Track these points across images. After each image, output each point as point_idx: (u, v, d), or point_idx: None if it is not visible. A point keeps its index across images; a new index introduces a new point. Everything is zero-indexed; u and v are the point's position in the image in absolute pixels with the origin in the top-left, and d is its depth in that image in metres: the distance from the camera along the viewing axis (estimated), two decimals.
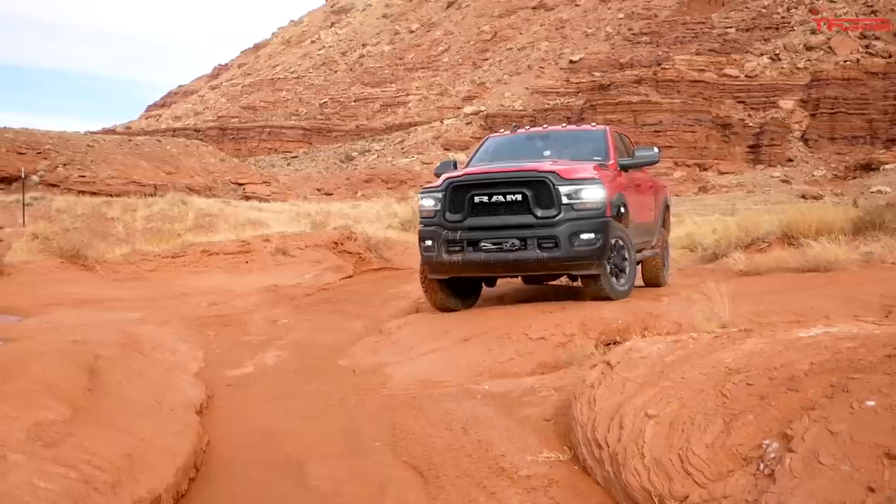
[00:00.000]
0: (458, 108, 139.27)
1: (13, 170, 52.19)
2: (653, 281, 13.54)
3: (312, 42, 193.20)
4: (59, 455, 5.09)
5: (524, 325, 9.45)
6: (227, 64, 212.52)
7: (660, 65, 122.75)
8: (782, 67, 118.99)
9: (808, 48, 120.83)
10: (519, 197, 10.01)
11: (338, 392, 8.45)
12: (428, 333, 10.34)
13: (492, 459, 6.02)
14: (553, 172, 10.05)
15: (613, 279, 10.52)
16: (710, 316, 8.27)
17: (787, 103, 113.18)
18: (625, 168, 11.70)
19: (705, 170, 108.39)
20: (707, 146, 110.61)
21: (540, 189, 9.99)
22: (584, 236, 9.97)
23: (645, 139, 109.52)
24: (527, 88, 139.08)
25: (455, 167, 12.11)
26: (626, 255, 10.75)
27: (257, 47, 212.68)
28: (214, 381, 9.05)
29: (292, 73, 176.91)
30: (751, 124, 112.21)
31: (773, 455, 4.10)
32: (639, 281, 13.13)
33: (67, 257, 17.73)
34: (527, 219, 10.01)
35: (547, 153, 12.20)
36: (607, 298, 10.35)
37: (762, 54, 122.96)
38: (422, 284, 11.38)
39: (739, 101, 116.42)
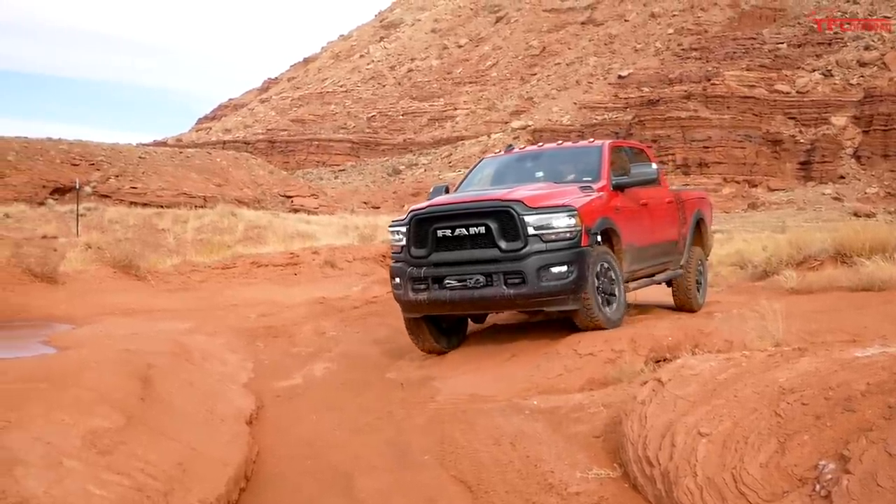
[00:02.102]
0: (506, 123, 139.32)
1: (67, 181, 53.17)
2: (685, 304, 12.73)
3: (361, 56, 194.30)
4: (113, 463, 5.15)
5: (573, 341, 9.39)
6: (276, 77, 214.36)
7: (709, 80, 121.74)
8: (835, 83, 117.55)
9: (862, 64, 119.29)
10: (482, 229, 9.23)
11: (385, 405, 8.47)
12: (475, 347, 10.34)
13: (540, 475, 6.00)
14: (518, 202, 9.22)
15: (605, 307, 9.70)
16: (763, 334, 8.17)
17: (839, 119, 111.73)
18: (620, 187, 10.72)
19: (755, 186, 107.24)
20: (757, 162, 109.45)
21: (504, 220, 9.19)
22: (555, 269, 9.14)
23: (694, 155, 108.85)
24: (575, 103, 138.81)
25: (447, 192, 11.54)
26: (615, 279, 9.94)
27: (307, 61, 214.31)
28: (264, 391, 9.11)
29: (341, 86, 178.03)
30: (802, 140, 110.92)
31: (829, 476, 4.05)
32: (669, 301, 12.97)
33: (119, 267, 17.94)
34: (492, 253, 9.23)
35: (539, 174, 11.56)
36: (599, 328, 9.54)
37: (814, 70, 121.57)
38: (405, 325, 10.52)
39: (790, 118, 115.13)
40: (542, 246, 9.13)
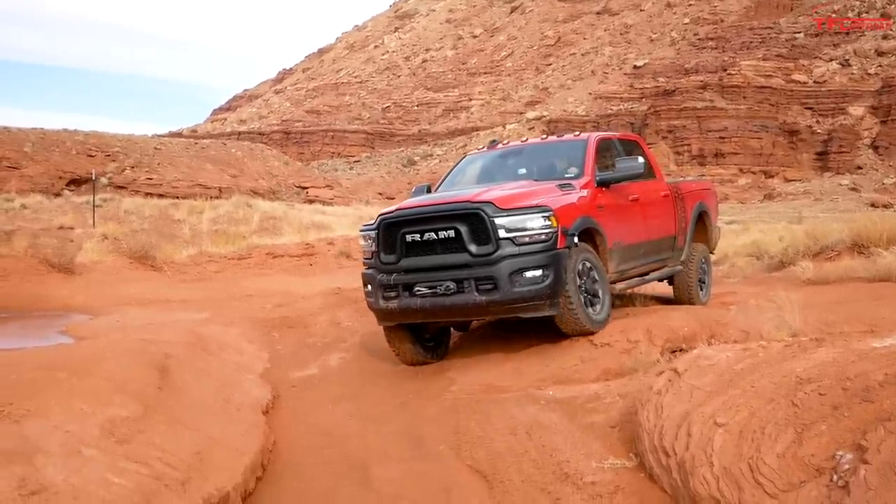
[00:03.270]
0: (521, 114, 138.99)
1: (83, 172, 53.39)
2: (686, 303, 12.20)
3: (376, 47, 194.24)
4: (131, 451, 5.19)
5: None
6: (291, 68, 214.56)
7: (725, 70, 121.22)
8: (852, 73, 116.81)
9: (880, 53, 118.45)
10: (452, 233, 8.77)
11: (401, 395, 8.49)
12: (490, 338, 10.34)
13: (556, 465, 6.00)
14: (488, 203, 8.73)
15: (589, 308, 9.24)
16: (780, 324, 8.16)
17: (856, 110, 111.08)
18: (605, 183, 10.19)
19: (771, 177, 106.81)
20: (773, 153, 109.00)
21: (474, 222, 8.70)
22: (529, 274, 8.64)
23: (710, 146, 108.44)
24: (590, 94, 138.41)
25: (429, 191, 11.28)
26: (598, 279, 9.47)
27: (321, 52, 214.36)
28: (280, 381, 9.15)
29: (356, 77, 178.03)
30: (819, 131, 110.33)
31: (847, 466, 4.04)
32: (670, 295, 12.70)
33: (136, 258, 18.04)
34: (462, 257, 8.75)
35: (522, 171, 11.12)
36: (584, 332, 9.14)
37: (831, 60, 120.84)
38: (384, 334, 10.01)
39: (807, 108, 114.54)
40: (514, 249, 8.65)
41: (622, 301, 11.66)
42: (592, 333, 9.13)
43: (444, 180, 11.65)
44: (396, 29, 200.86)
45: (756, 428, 4.81)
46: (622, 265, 10.33)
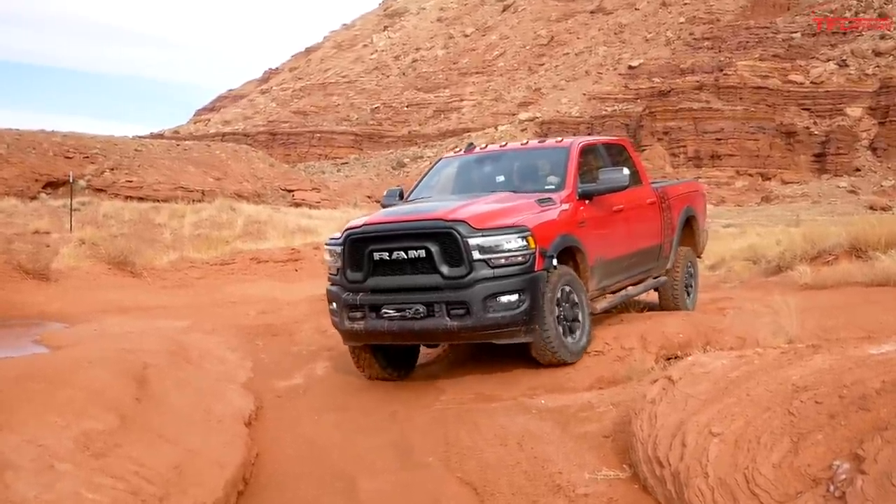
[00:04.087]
0: (513, 115, 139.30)
1: (61, 174, 53.14)
2: (671, 309, 11.97)
3: (365, 46, 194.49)
4: (107, 466, 5.16)
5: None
6: (277, 68, 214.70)
7: (722, 71, 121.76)
8: (850, 73, 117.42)
9: (878, 53, 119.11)
10: (422, 253, 8.38)
11: (388, 405, 8.47)
12: (480, 345, 10.32)
13: (548, 476, 6.00)
14: (461, 222, 8.32)
15: (567, 336, 8.86)
16: (777, 330, 8.17)
17: (854, 111, 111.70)
18: (588, 196, 9.78)
19: (768, 179, 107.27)
20: (770, 155, 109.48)
21: (446, 242, 8.32)
22: (504, 299, 8.29)
23: (706, 147, 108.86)
24: (584, 94, 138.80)
25: (401, 196, 10.95)
26: (579, 303, 9.10)
27: (309, 51, 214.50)
28: (263, 391, 9.11)
29: (344, 77, 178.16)
30: (816, 132, 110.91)
31: (843, 476, 4.05)
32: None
33: (115, 263, 17.96)
34: (433, 279, 8.38)
35: (500, 179, 10.69)
36: (561, 363, 8.78)
37: (829, 60, 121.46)
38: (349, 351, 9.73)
39: (805, 109, 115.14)
40: (489, 272, 8.28)
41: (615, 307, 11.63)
42: (568, 364, 8.80)
43: (417, 185, 11.30)
44: (386, 27, 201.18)
45: (752, 437, 4.82)
46: (604, 281, 10.06)
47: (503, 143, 11.88)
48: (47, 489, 4.60)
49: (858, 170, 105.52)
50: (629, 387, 7.62)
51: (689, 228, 12.83)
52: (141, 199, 49.02)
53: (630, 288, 11.06)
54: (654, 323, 9.92)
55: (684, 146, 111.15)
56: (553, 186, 9.88)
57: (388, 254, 8.54)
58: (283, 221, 32.75)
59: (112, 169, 59.84)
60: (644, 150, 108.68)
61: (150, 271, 18.39)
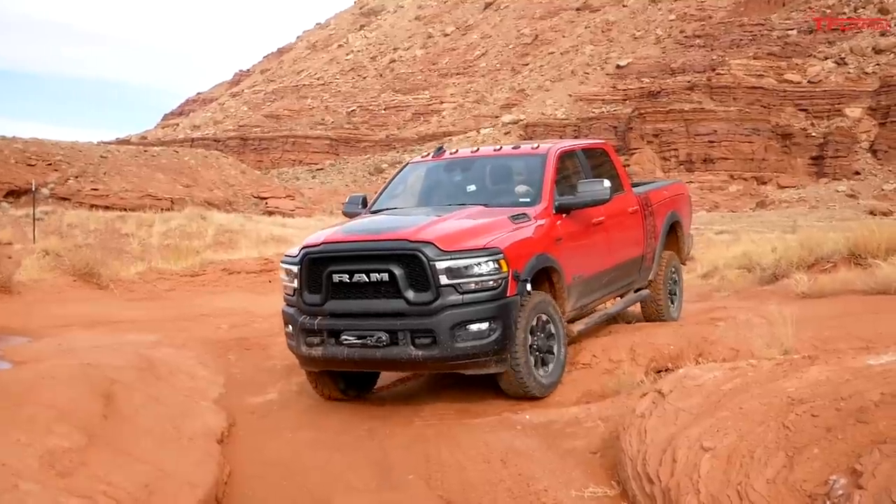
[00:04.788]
0: (496, 117, 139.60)
1: (23, 182, 53.09)
2: (654, 319, 11.98)
3: (340, 46, 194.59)
4: (73, 485, 5.16)
5: (568, 352, 9.42)
6: (248, 70, 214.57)
7: (714, 70, 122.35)
8: (849, 72, 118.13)
9: (878, 51, 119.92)
10: (385, 276, 8.06)
11: (366, 421, 8.47)
12: None
13: (533, 495, 6.03)
14: (428, 243, 8.01)
15: (539, 368, 8.61)
16: (771, 341, 8.22)
17: (853, 111, 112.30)
18: (565, 209, 9.50)
19: (764, 183, 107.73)
20: (766, 158, 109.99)
21: (412, 265, 8.02)
22: (473, 327, 7.98)
23: (698, 150, 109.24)
24: (570, 95, 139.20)
25: (364, 204, 10.68)
26: (555, 333, 8.85)
27: (281, 52, 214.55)
28: (236, 408, 9.10)
29: (318, 79, 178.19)
30: (814, 134, 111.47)
31: (840, 492, 4.08)
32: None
33: (80, 275, 17.88)
34: (397, 305, 8.08)
35: (471, 188, 10.40)
36: (530, 396, 8.49)
37: (826, 58, 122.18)
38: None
39: (801, 109, 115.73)
40: (457, 298, 7.96)
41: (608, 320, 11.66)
42: (537, 399, 8.49)
43: (382, 193, 10.97)
44: (362, 27, 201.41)
45: (745, 452, 4.85)
46: (582, 300, 9.83)
47: (475, 149, 11.47)
48: None
49: (858, 173, 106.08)
50: (618, 401, 7.66)
51: (674, 235, 12.71)
52: (107, 207, 48.94)
53: (610, 307, 10.92)
54: (643, 334, 9.96)
55: (675, 149, 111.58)
56: (528, 200, 9.56)
57: (348, 276, 8.24)
58: (255, 230, 32.75)
59: (76, 177, 59.81)
60: (633, 153, 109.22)
61: (117, 283, 18.31)
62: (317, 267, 8.48)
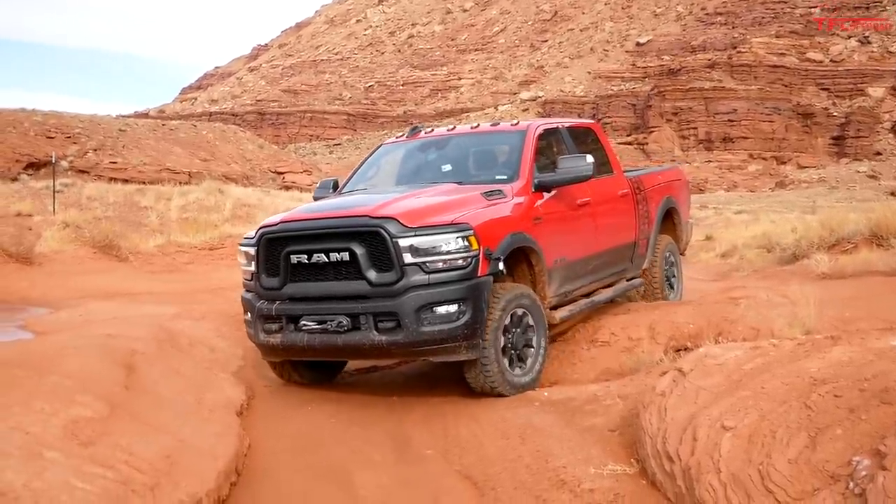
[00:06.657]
0: (514, 94, 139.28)
1: (42, 155, 53.26)
2: None
3: (358, 21, 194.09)
4: (96, 454, 5.20)
5: (587, 330, 9.42)
6: (266, 44, 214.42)
7: (735, 48, 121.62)
8: (872, 51, 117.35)
9: None
10: (346, 255, 7.60)
11: (385, 396, 8.50)
12: None
13: (552, 471, 6.02)
14: (390, 219, 7.53)
15: (508, 366, 8.01)
16: (793, 321, 8.20)
17: (876, 91, 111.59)
18: (546, 187, 9.02)
19: (783, 163, 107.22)
20: (786, 137, 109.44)
21: (374, 243, 7.54)
22: (441, 310, 7.48)
23: (718, 129, 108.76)
24: (589, 73, 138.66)
25: (335, 188, 10.34)
26: (534, 325, 8.35)
27: (299, 27, 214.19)
28: (255, 381, 9.13)
29: (336, 54, 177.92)
30: (835, 114, 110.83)
31: (863, 473, 4.07)
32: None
33: (100, 247, 17.96)
34: (359, 286, 7.62)
35: (446, 168, 9.87)
36: (498, 394, 7.87)
37: (850, 37, 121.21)
38: None
39: (823, 89, 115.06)
40: (423, 278, 7.47)
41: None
42: (505, 396, 7.88)
43: (353, 175, 10.49)
44: (380, 2, 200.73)
45: (766, 432, 4.84)
46: (565, 286, 9.26)
47: (451, 127, 11.02)
48: (36, 477, 4.63)
49: (879, 153, 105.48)
50: (637, 379, 7.64)
51: (671, 222, 12.32)
52: (125, 180, 49.07)
53: (596, 294, 10.23)
54: (663, 313, 9.94)
55: (695, 128, 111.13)
56: (505, 177, 9.05)
57: (306, 256, 7.82)
58: (272, 205, 32.72)
59: (95, 150, 59.94)
60: (652, 131, 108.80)
61: (137, 255, 18.39)
62: (274, 248, 8.08)
